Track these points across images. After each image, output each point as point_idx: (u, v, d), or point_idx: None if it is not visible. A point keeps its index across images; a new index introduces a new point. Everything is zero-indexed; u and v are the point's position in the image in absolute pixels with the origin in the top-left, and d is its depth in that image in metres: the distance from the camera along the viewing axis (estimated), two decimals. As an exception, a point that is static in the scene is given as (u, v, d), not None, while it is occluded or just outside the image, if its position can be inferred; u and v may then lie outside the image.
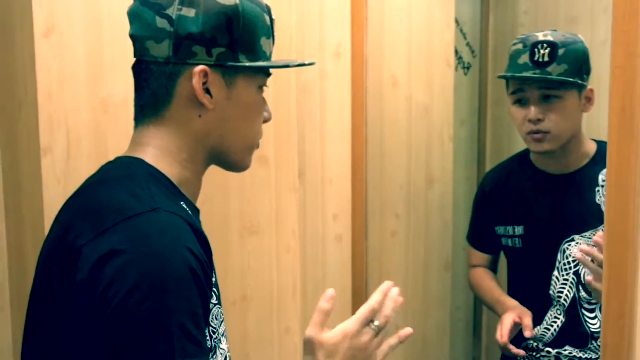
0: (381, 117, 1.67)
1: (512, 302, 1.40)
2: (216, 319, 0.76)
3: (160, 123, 0.77)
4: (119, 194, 0.70)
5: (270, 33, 0.80)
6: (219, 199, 1.27)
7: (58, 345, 0.69)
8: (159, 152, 0.76)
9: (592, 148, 1.39)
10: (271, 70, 0.82)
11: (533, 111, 1.30)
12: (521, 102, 1.35)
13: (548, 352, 1.40)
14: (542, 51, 1.28)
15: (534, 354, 1.43)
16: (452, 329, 2.09)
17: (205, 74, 0.74)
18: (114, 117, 1.07)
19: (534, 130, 1.32)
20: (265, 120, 0.84)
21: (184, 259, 0.65)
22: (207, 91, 0.75)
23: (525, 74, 1.30)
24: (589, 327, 1.35)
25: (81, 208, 0.73)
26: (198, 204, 0.82)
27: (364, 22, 1.44)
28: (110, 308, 0.62)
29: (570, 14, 2.22)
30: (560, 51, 1.28)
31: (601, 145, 1.39)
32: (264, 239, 1.37)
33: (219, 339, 0.77)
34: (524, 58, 1.31)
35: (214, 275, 0.74)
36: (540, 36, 1.31)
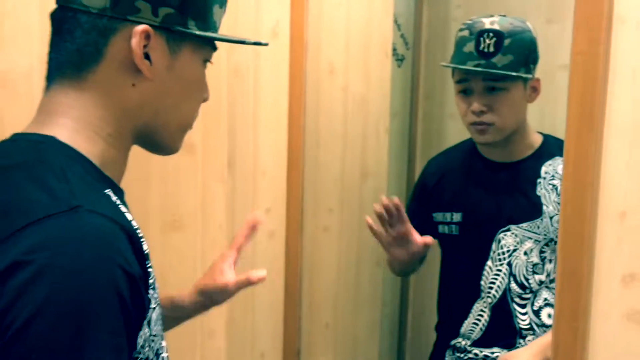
0: (317, 106, 1.58)
1: None
2: (156, 324, 0.64)
3: (83, 87, 0.63)
4: (25, 187, 0.56)
5: (224, 1, 0.71)
6: (137, 190, 1.14)
7: None
8: (78, 125, 0.63)
9: (537, 140, 1.37)
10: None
11: (477, 103, 1.28)
12: (465, 92, 1.31)
13: (476, 354, 1.37)
14: (487, 41, 1.24)
15: (462, 355, 1.40)
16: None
17: (147, 36, 0.63)
18: (14, 93, 0.92)
19: (477, 121, 1.29)
20: (204, 100, 0.73)
21: (109, 278, 0.53)
22: (147, 57, 0.63)
23: (469, 64, 1.27)
24: (518, 323, 1.33)
25: None
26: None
27: (304, 0, 1.34)
28: (9, 334, 0.49)
29: (502, 9, 2.23)
30: (507, 41, 1.24)
31: (547, 139, 1.38)
32: (188, 235, 1.25)
33: (162, 345, 0.67)
34: (469, 47, 1.27)
35: (151, 274, 0.62)
36: (487, 23, 1.27)
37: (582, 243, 0.82)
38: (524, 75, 1.26)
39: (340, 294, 1.76)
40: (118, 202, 0.62)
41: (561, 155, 1.33)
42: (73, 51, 0.63)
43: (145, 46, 0.63)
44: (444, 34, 2.36)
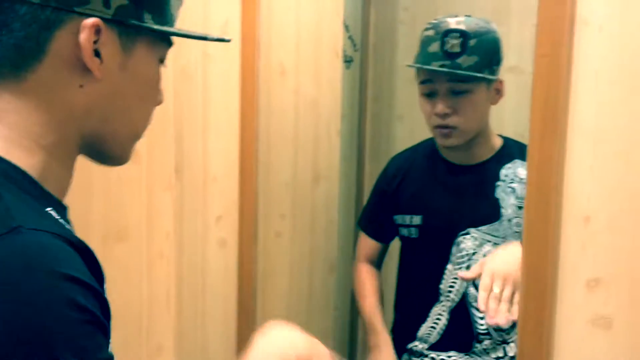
0: (268, 109, 1.53)
1: (387, 340, 1.37)
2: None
3: (21, 89, 0.56)
4: None
5: None
6: (78, 199, 1.05)
7: None
8: (14, 133, 0.55)
9: (497, 143, 1.37)
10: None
11: (441, 105, 1.26)
12: (430, 94, 1.29)
13: (433, 358, 1.36)
14: (453, 41, 1.22)
15: (418, 359, 1.39)
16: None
17: (97, 30, 0.56)
18: None
19: (441, 124, 1.27)
20: (158, 103, 0.66)
21: (65, 295, 0.47)
22: (96, 54, 0.56)
23: (434, 64, 1.25)
24: (476, 328, 1.32)
25: None
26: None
27: (256, -1, 1.28)
28: None
29: (448, 12, 2.25)
30: (472, 42, 1.23)
31: (507, 142, 1.38)
32: (133, 246, 1.18)
33: None
34: (435, 47, 1.25)
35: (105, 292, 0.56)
36: (453, 23, 1.25)
37: (546, 248, 0.80)
38: (488, 77, 1.25)
39: (293, 301, 1.71)
40: (62, 221, 0.56)
41: (521, 158, 1.35)
42: (10, 46, 0.55)
43: (95, 42, 0.56)
44: (392, 36, 2.37)
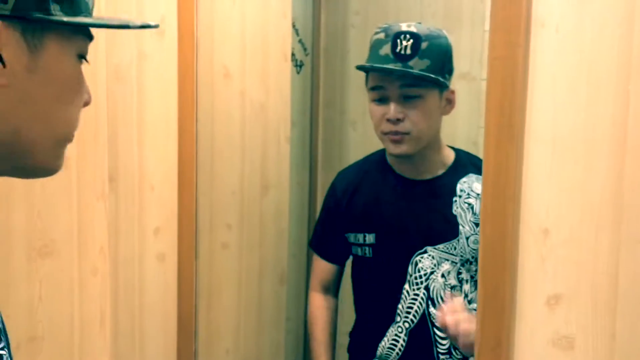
0: (212, 114, 1.45)
1: None
2: None
3: None
4: None
5: None
6: (-4, 210, 0.95)
7: None
8: None
9: (450, 156, 1.32)
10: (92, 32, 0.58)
11: (393, 110, 1.20)
12: (380, 100, 1.24)
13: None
14: (404, 42, 1.17)
15: None
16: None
17: None
18: None
19: (392, 131, 1.21)
20: (85, 104, 0.59)
21: None
22: None
23: (379, 66, 1.19)
24: (436, 348, 1.27)
25: None
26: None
27: (193, -5, 1.20)
28: None
29: (399, 17, 2.22)
30: (424, 45, 1.18)
31: (459, 154, 1.33)
32: (62, 261, 1.08)
33: None
34: (386, 49, 1.20)
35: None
36: (404, 27, 1.21)
37: (503, 263, 0.75)
38: (440, 79, 1.20)
39: (242, 315, 1.63)
40: None
41: (475, 172, 1.30)
42: None
43: None
44: (343, 40, 2.32)
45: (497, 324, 0.76)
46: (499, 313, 0.76)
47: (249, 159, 1.61)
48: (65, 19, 0.53)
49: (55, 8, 0.52)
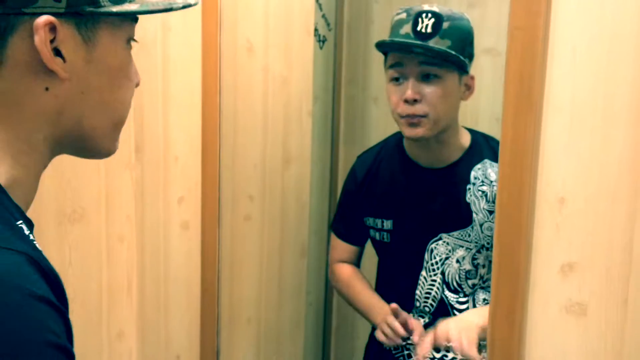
0: (235, 87, 1.47)
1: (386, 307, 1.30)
2: None
3: None
4: None
5: None
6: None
7: None
8: None
9: (466, 140, 1.31)
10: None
11: (411, 90, 1.18)
12: (398, 80, 1.23)
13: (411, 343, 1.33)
14: (425, 21, 1.16)
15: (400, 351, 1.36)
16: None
17: (52, 28, 0.53)
18: None
19: (409, 113, 1.20)
20: (136, 85, 0.63)
21: (38, 316, 0.47)
22: (57, 53, 0.53)
23: (399, 40, 1.19)
24: None
25: None
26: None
27: (217, -33, 1.21)
28: None
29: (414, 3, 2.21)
30: (445, 24, 1.17)
31: (476, 138, 1.32)
32: (91, 228, 1.12)
33: None
34: (406, 28, 1.19)
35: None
36: (426, 6, 1.20)
37: (519, 231, 0.77)
38: (461, 59, 1.19)
39: (264, 286, 1.66)
40: (31, 237, 0.54)
41: (490, 157, 1.30)
42: None
43: (52, 41, 0.53)
44: (366, 16, 2.31)
45: (511, 291, 0.78)
46: (513, 280, 0.77)
47: (271, 132, 1.63)
48: (114, 9, 0.56)
49: (104, 0, 0.55)
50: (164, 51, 1.23)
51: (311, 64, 1.79)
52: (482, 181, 1.27)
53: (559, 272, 0.77)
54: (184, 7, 0.64)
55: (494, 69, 2.10)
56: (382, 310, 1.31)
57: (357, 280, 1.42)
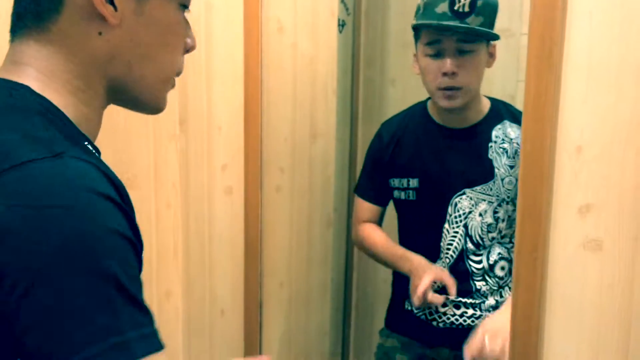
0: (267, 65, 1.56)
1: (421, 259, 1.38)
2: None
3: (46, 39, 0.59)
4: (5, 132, 0.53)
5: None
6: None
7: None
8: (45, 77, 0.59)
9: (486, 105, 1.42)
10: None
11: (449, 64, 1.28)
12: (436, 55, 1.32)
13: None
14: (462, 1, 1.25)
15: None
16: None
17: None
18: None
19: (448, 86, 1.30)
20: (189, 49, 0.69)
21: (105, 211, 0.51)
22: (111, 2, 0.59)
23: (445, 23, 1.27)
24: (472, 277, 1.39)
25: None
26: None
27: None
28: (24, 284, 0.46)
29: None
30: (479, 2, 1.26)
31: (494, 103, 1.43)
32: (143, 194, 1.21)
33: None
34: (443, 7, 1.27)
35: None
36: None
37: (541, 177, 0.86)
38: (495, 35, 1.29)
39: (293, 254, 1.76)
40: (96, 154, 0.60)
41: (509, 119, 1.40)
42: (31, 1, 0.60)
43: None
44: (384, 0, 2.39)
45: (534, 230, 0.87)
46: (536, 221, 0.87)
47: (299, 108, 1.73)
48: None
49: None
50: (206, 28, 1.32)
51: (335, 45, 1.88)
52: (503, 139, 1.37)
53: (577, 212, 0.86)
54: None
55: (508, 48, 2.18)
56: (408, 260, 1.39)
57: (380, 235, 1.51)
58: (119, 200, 0.53)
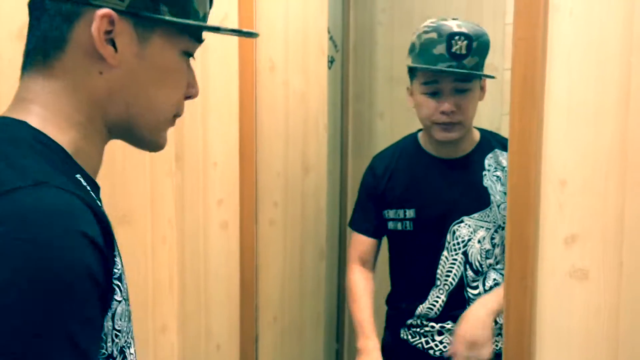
0: (260, 102, 1.61)
1: (370, 344, 1.41)
2: (121, 319, 0.60)
3: (51, 74, 0.62)
4: None
5: None
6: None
7: None
8: (47, 112, 0.61)
9: (476, 135, 1.48)
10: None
11: (448, 104, 1.34)
12: (432, 94, 1.37)
13: (432, 326, 1.45)
14: (459, 43, 1.30)
15: (418, 329, 1.47)
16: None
17: (111, 21, 0.60)
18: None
19: (446, 122, 1.35)
20: (190, 97, 0.71)
21: (77, 249, 0.50)
22: (112, 43, 0.61)
23: (441, 65, 1.32)
24: (469, 304, 1.41)
25: None
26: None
27: (253, -6, 1.36)
28: None
29: (424, 13, 2.36)
30: (475, 44, 1.32)
31: (484, 133, 1.48)
32: (138, 230, 1.23)
33: (129, 342, 0.64)
34: (440, 49, 1.32)
35: (118, 264, 0.58)
36: (455, 27, 1.33)
37: (528, 209, 0.90)
38: (491, 76, 1.36)
39: (287, 287, 1.78)
40: (89, 188, 0.60)
41: (498, 148, 1.45)
42: (39, 37, 0.62)
43: (110, 32, 0.61)
44: (371, 37, 2.47)
45: (523, 260, 0.91)
46: (524, 251, 0.91)
47: (291, 143, 1.77)
48: (168, 18, 0.63)
49: (164, 10, 0.62)
50: (203, 67, 1.37)
51: (326, 81, 1.93)
52: (495, 167, 1.42)
53: (563, 242, 0.90)
54: (237, 32, 0.74)
55: (492, 82, 2.25)
56: (363, 336, 1.43)
57: (361, 291, 1.52)
58: (96, 236, 0.52)
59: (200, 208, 1.42)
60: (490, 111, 2.16)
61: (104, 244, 0.54)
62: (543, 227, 0.90)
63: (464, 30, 1.32)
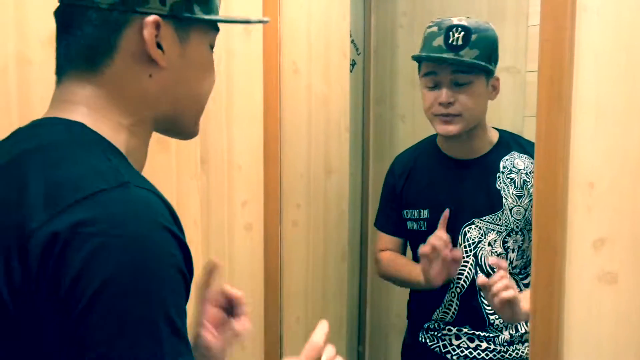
0: (283, 105, 1.62)
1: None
2: None
3: (100, 81, 0.65)
4: (71, 164, 0.57)
5: None
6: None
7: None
8: (98, 114, 0.64)
9: (494, 136, 1.46)
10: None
11: (445, 94, 1.34)
12: (433, 87, 1.38)
13: (449, 329, 1.44)
14: (456, 34, 1.31)
15: (435, 332, 1.47)
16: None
17: (157, 26, 0.64)
18: None
19: (444, 113, 1.35)
20: (213, 83, 0.75)
21: (165, 243, 0.55)
22: (159, 46, 0.65)
23: (436, 55, 1.33)
24: (484, 309, 1.41)
25: (20, 184, 0.57)
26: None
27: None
28: (83, 303, 0.50)
29: (445, 16, 2.35)
30: (474, 36, 1.32)
31: (503, 134, 1.47)
32: (164, 232, 1.25)
33: None
34: (439, 41, 1.34)
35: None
36: (455, 20, 1.35)
37: (555, 213, 0.89)
38: (488, 66, 1.34)
39: (309, 288, 1.79)
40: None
41: (517, 150, 1.44)
42: (85, 46, 0.65)
43: (156, 36, 0.65)
44: (392, 40, 2.47)
45: (550, 265, 0.90)
46: (551, 256, 0.90)
47: (314, 145, 1.78)
48: (205, 17, 0.69)
49: (197, 9, 0.68)
50: (227, 72, 1.39)
51: (347, 84, 1.94)
52: (510, 170, 1.41)
53: (591, 246, 0.89)
54: (259, 21, 0.78)
55: (514, 85, 2.24)
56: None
57: (398, 257, 1.54)
58: (177, 230, 0.57)
59: (225, 210, 1.44)
60: (513, 114, 2.15)
61: (183, 237, 0.58)
62: (571, 230, 0.89)
63: (463, 23, 1.34)
